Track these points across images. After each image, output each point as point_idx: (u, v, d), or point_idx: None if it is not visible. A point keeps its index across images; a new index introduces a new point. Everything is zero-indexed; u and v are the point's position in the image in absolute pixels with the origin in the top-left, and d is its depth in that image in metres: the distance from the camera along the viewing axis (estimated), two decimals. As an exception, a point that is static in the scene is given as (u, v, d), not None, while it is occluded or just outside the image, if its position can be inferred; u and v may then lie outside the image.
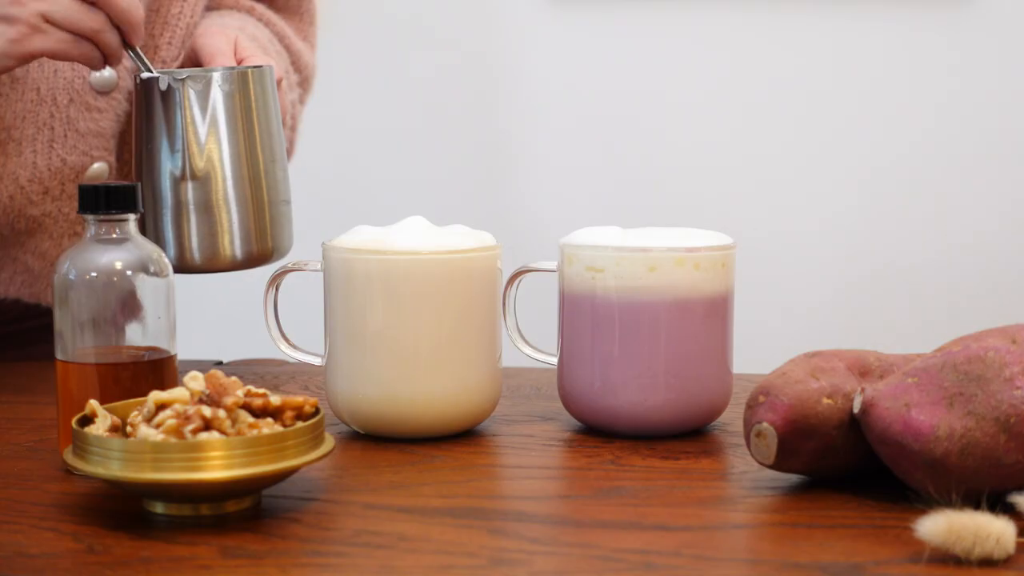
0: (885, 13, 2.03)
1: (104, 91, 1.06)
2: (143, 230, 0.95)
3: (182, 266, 0.97)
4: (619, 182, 2.10)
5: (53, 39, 0.91)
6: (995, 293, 2.04)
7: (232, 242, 0.96)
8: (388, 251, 0.82)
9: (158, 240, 0.97)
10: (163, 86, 0.94)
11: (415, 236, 0.83)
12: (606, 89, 2.10)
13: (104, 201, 0.76)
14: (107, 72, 1.05)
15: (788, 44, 2.06)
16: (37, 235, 1.06)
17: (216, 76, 0.95)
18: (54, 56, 0.92)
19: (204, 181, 0.95)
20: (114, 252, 0.76)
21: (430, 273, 0.82)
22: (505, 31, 2.12)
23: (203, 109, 0.95)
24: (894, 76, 2.05)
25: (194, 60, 1.04)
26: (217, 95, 0.95)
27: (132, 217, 0.77)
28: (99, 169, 1.06)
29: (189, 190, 0.95)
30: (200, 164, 0.95)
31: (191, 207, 0.95)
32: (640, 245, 0.82)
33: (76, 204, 1.02)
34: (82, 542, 0.64)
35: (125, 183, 0.76)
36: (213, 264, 0.97)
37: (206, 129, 0.95)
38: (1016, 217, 2.05)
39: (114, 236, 0.76)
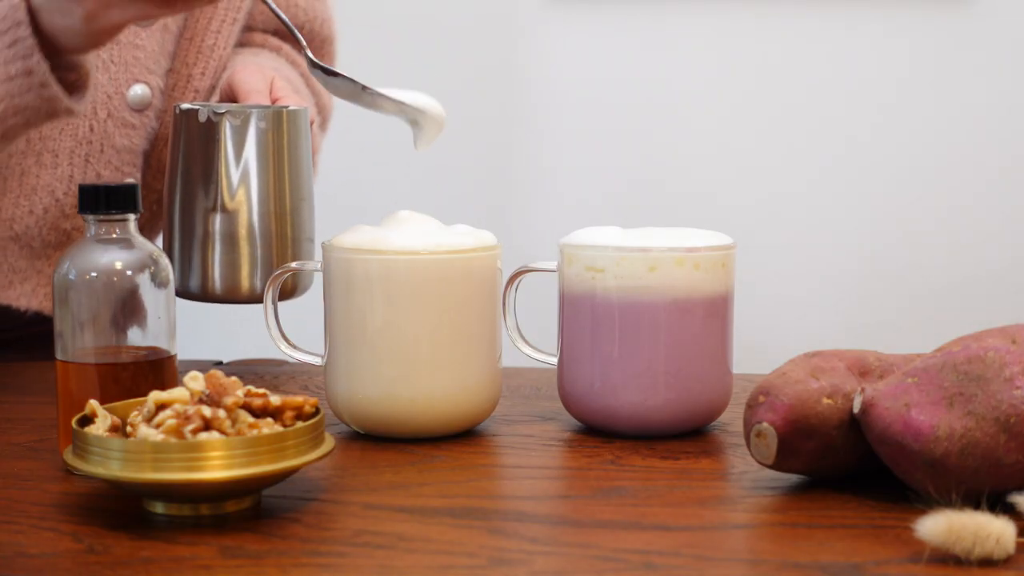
0: (885, 15, 2.03)
1: (139, 108, 1.07)
2: (169, 257, 0.97)
3: (203, 295, 0.98)
4: (619, 182, 2.10)
5: (133, 9, 0.85)
6: (995, 293, 2.04)
7: (253, 275, 0.98)
8: (388, 251, 0.82)
9: (183, 267, 0.98)
10: (202, 118, 0.96)
11: (415, 236, 0.83)
12: (606, 89, 2.10)
13: (104, 201, 0.76)
14: (140, 89, 1.06)
15: (788, 45, 2.06)
16: (64, 249, 1.07)
17: (254, 113, 0.97)
18: (145, 19, 0.87)
19: (233, 214, 0.97)
20: (114, 252, 0.76)
21: (430, 273, 0.82)
22: (505, 31, 2.12)
23: (239, 144, 0.96)
24: (895, 77, 2.06)
25: (230, 95, 1.05)
26: (254, 131, 0.96)
27: (132, 217, 0.77)
28: None
29: (217, 221, 0.97)
30: (231, 197, 0.96)
31: (217, 238, 0.97)
32: (640, 245, 0.82)
33: None
34: (82, 542, 0.64)
35: (125, 183, 0.76)
36: (233, 295, 0.98)
37: (240, 163, 0.96)
38: (1017, 217, 2.05)
39: (114, 236, 0.76)
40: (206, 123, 0.96)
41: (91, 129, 1.05)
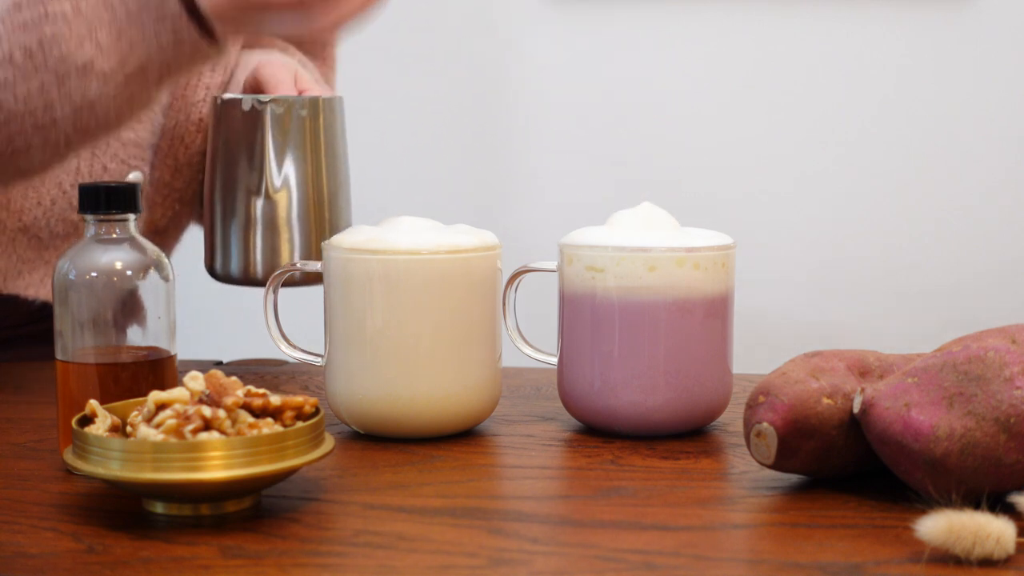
0: (884, 12, 2.03)
1: None
2: (211, 242, 1.02)
3: (245, 278, 1.02)
4: (619, 182, 2.10)
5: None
6: (995, 293, 2.05)
7: (293, 259, 1.01)
8: (388, 251, 0.82)
9: (224, 252, 1.02)
10: (246, 107, 1.00)
11: (415, 236, 0.83)
12: (606, 89, 2.10)
13: (104, 201, 0.76)
14: None
15: (786, 43, 2.06)
16: (71, 239, 1.09)
17: (296, 101, 1.00)
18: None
19: (275, 199, 1.00)
20: (114, 252, 0.76)
21: (430, 273, 0.82)
22: (506, 31, 2.12)
23: (282, 131, 1.00)
24: (895, 75, 2.06)
25: (255, 88, 1.08)
26: (296, 119, 1.00)
27: (132, 217, 0.77)
28: (135, 178, 1.08)
29: (259, 207, 1.00)
30: (273, 183, 1.00)
31: (259, 223, 1.01)
32: (640, 245, 0.82)
33: None
34: (82, 542, 0.64)
35: (125, 183, 0.76)
36: None
37: (283, 151, 1.00)
38: (1017, 217, 2.05)
39: (114, 236, 0.76)
40: (249, 112, 0.99)
41: None
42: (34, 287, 1.10)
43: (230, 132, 1.01)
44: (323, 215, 1.01)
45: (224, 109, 1.01)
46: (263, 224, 1.00)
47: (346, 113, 1.06)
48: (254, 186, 1.00)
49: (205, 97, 1.12)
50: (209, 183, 1.03)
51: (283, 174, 1.00)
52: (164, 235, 1.17)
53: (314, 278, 1.00)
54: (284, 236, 1.01)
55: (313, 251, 1.01)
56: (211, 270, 1.04)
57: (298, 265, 0.90)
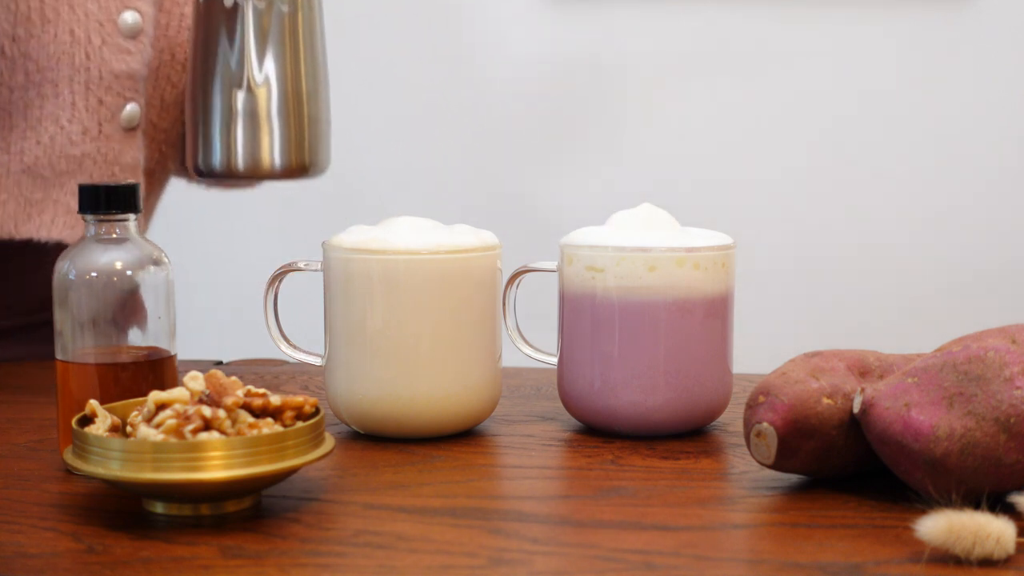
0: (886, 14, 2.03)
1: (131, 35, 1.11)
2: (194, 138, 1.04)
3: (226, 171, 1.03)
4: (619, 182, 2.10)
5: None
6: (995, 293, 2.05)
7: (273, 152, 1.02)
8: (388, 251, 0.82)
9: (206, 146, 1.03)
10: (227, 3, 1.02)
11: (415, 236, 0.83)
12: (606, 89, 2.10)
13: (104, 201, 0.76)
14: (131, 16, 1.10)
15: (787, 43, 2.06)
16: (77, 175, 1.09)
17: None
18: None
19: (255, 93, 1.02)
20: (114, 252, 0.76)
21: (430, 273, 0.82)
22: (505, 30, 2.12)
23: (262, 27, 1.02)
24: (896, 77, 2.06)
25: None
26: (276, 14, 1.02)
27: (132, 217, 0.77)
28: (132, 110, 1.10)
29: (240, 100, 1.02)
30: (254, 77, 1.02)
31: (240, 116, 1.02)
32: (640, 245, 0.82)
33: (114, 144, 1.09)
34: (82, 542, 0.64)
35: (125, 183, 0.76)
36: (255, 171, 1.03)
37: (263, 45, 1.02)
38: (1016, 217, 2.05)
39: (114, 236, 0.76)
40: (231, 7, 1.01)
41: (87, 56, 1.08)
42: (46, 228, 1.10)
43: (212, 29, 1.02)
44: (302, 110, 1.03)
45: (206, 6, 1.03)
46: (244, 117, 1.02)
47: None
48: (236, 80, 1.02)
49: (189, 38, 1.13)
50: (192, 80, 1.04)
51: (264, 68, 1.01)
52: (151, 178, 1.18)
53: (298, 172, 1.03)
54: (265, 129, 1.02)
55: (292, 145, 1.03)
56: (195, 167, 1.05)
57: (298, 264, 0.90)
